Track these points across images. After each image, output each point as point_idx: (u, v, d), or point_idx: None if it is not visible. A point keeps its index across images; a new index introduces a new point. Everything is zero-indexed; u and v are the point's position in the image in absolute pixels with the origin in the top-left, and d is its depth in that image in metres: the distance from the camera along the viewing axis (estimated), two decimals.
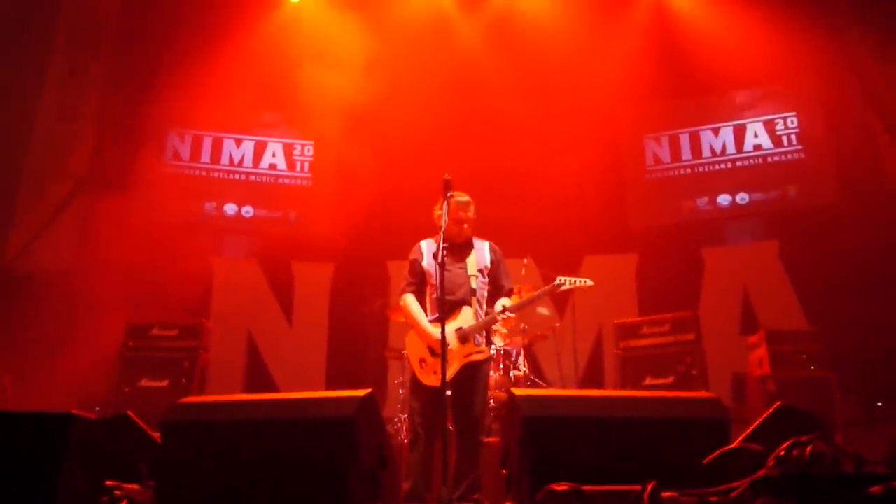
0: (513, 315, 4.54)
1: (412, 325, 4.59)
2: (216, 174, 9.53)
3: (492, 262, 4.67)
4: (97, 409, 7.25)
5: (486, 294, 4.62)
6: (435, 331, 4.30)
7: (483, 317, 4.53)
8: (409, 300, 4.63)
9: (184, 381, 6.90)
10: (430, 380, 4.38)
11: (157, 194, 8.91)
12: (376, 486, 3.06)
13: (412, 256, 4.74)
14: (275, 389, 8.44)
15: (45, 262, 8.75)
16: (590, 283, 4.90)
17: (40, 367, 7.73)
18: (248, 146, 9.65)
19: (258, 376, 8.69)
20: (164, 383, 6.93)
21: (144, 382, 6.99)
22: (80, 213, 9.06)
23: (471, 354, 4.43)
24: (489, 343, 4.66)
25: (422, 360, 4.45)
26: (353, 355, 8.87)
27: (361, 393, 2.92)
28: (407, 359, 4.65)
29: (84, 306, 8.07)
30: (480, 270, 4.56)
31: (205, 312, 8.56)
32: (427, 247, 4.69)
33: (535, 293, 4.95)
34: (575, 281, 4.85)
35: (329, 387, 8.40)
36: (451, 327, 4.41)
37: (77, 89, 9.40)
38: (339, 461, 2.74)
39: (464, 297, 4.52)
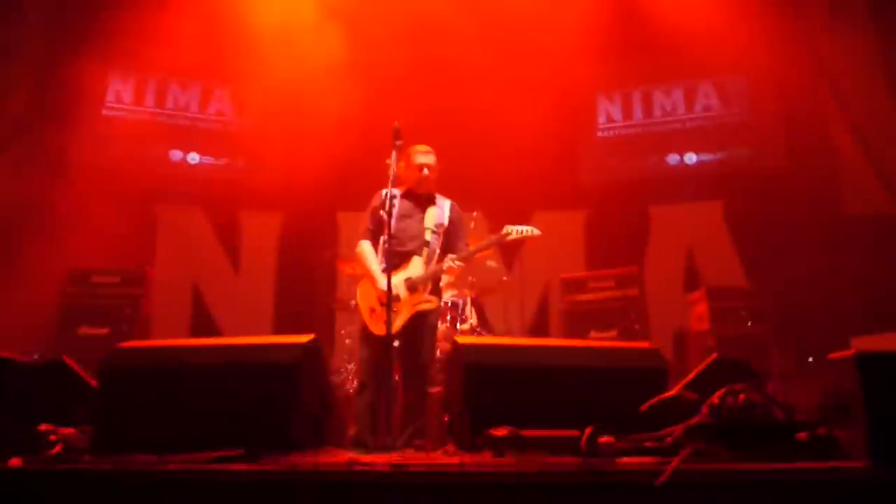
0: (460, 264, 4.54)
1: (364, 272, 4.60)
2: (160, 118, 9.24)
3: (450, 221, 4.69)
4: (36, 356, 7.10)
5: (438, 251, 4.63)
6: (383, 279, 4.25)
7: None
8: (366, 247, 4.64)
9: (125, 328, 6.78)
10: (380, 328, 4.30)
11: (98, 138, 8.63)
12: (319, 432, 3.06)
13: (373, 203, 4.72)
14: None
15: None
16: (537, 231, 4.92)
17: None
18: (195, 91, 9.38)
19: (204, 326, 8.56)
20: (105, 331, 6.79)
21: (84, 330, 6.85)
22: (18, 157, 8.74)
23: (419, 304, 4.46)
24: (438, 294, 4.68)
25: (371, 310, 4.47)
26: (300, 306, 8.79)
27: (305, 339, 2.91)
28: (357, 308, 4.65)
29: (22, 251, 7.84)
30: (437, 226, 4.58)
31: (148, 261, 8.38)
32: (388, 193, 4.61)
33: (483, 242, 4.96)
34: (522, 230, 4.85)
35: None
36: (400, 277, 4.46)
37: (12, 29, 8.99)
38: (283, 407, 2.74)
39: (415, 249, 4.56)
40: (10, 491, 2.21)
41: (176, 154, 9.18)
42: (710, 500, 2.30)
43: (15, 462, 2.40)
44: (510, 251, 8.18)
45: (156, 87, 9.28)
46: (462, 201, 8.06)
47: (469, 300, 6.94)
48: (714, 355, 3.31)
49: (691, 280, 8.52)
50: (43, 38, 8.99)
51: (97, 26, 8.73)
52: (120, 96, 9.16)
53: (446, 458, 2.60)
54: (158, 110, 9.24)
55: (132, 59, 8.98)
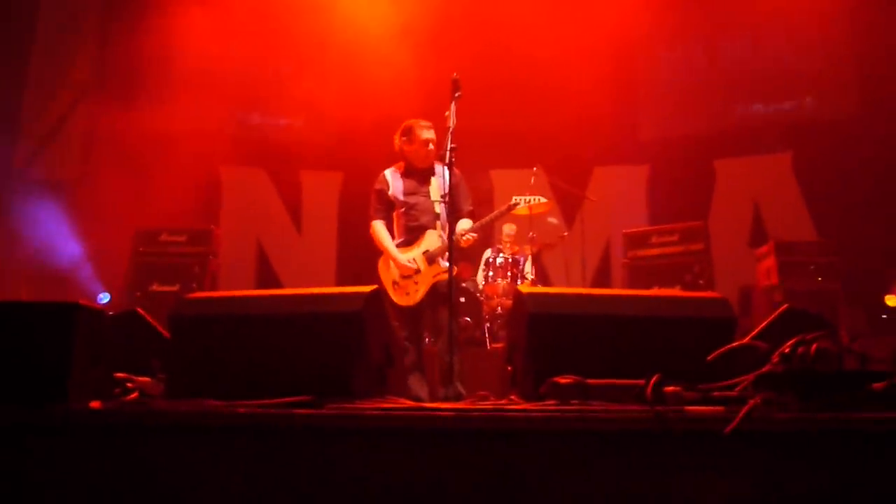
0: (474, 236, 4.78)
1: (382, 251, 4.88)
2: (221, 81, 9.32)
3: (451, 186, 4.71)
4: (110, 312, 7.35)
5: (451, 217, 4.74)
6: (402, 256, 4.77)
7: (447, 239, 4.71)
8: (379, 227, 4.90)
9: (194, 285, 6.99)
10: (404, 300, 4.77)
11: (161, 101, 8.78)
12: (383, 382, 3.10)
13: (378, 186, 4.96)
14: None
15: (54, 171, 8.73)
16: (543, 199, 5.57)
17: (53, 273, 7.82)
18: (253, 52, 9.42)
19: (268, 282, 8.78)
20: (175, 287, 7.02)
21: (155, 287, 7.08)
22: (85, 121, 8.99)
23: (439, 274, 4.69)
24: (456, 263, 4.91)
25: (394, 283, 4.81)
26: (362, 263, 8.83)
27: (368, 289, 2.93)
28: (381, 283, 4.89)
29: (93, 213, 8.11)
30: (443, 196, 4.64)
31: (213, 221, 8.57)
32: (391, 175, 4.96)
33: (493, 213, 5.27)
34: (530, 199, 5.48)
35: None
36: (418, 251, 4.78)
37: None
38: (345, 354, 2.77)
39: (427, 223, 4.82)
40: (90, 431, 2.30)
41: (237, 115, 9.28)
42: (780, 448, 2.26)
43: (95, 405, 2.50)
44: (571, 207, 8.11)
45: (216, 49, 9.33)
46: (522, 157, 8.03)
47: (529, 256, 6.91)
48: (785, 306, 3.22)
49: (757, 235, 8.32)
50: (103, 4, 9.16)
51: None
52: (181, 60, 9.23)
53: (511, 405, 2.61)
54: (219, 73, 9.30)
55: (192, 22, 9.05)
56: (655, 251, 7.20)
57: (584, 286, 7.58)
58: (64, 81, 9.00)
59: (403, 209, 4.86)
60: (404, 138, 4.93)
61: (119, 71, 8.92)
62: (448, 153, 4.19)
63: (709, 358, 2.67)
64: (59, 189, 8.47)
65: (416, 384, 4.68)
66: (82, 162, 8.88)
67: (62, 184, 8.58)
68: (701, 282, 6.88)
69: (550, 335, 2.74)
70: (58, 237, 7.94)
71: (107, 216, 7.99)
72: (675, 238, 7.14)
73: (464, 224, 4.81)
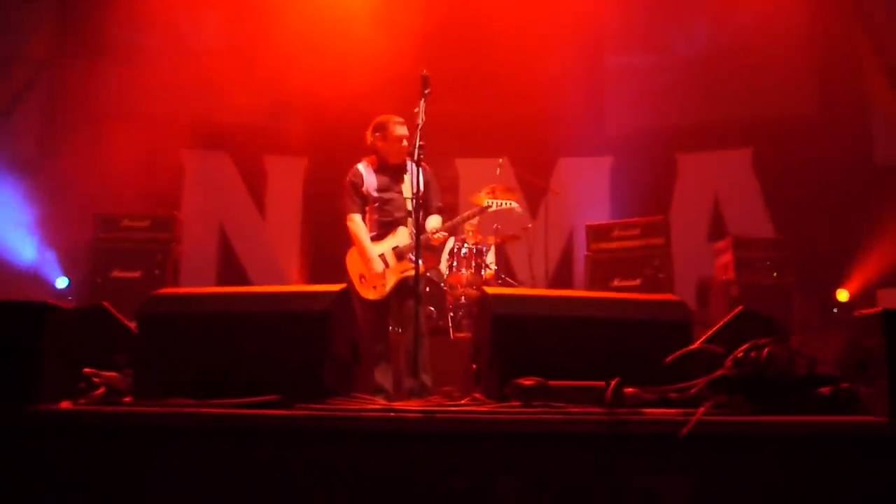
0: (445, 234, 5.00)
1: (356, 244, 4.93)
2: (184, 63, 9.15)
3: (425, 184, 4.81)
4: (69, 298, 7.28)
5: (421, 214, 4.76)
6: (374, 253, 4.84)
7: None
8: (358, 220, 4.95)
9: (157, 272, 6.91)
10: (370, 294, 4.85)
11: (122, 81, 8.62)
12: (350, 379, 3.15)
13: (353, 179, 4.99)
14: (248, 283, 8.50)
15: (9, 152, 8.50)
16: (515, 205, 5.75)
17: (11, 261, 7.68)
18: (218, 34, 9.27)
19: (231, 269, 8.71)
20: (137, 274, 6.93)
21: (116, 273, 6.98)
22: (44, 101, 8.77)
23: (406, 270, 4.78)
24: (425, 260, 5.11)
25: (361, 276, 4.89)
26: (327, 250, 8.85)
27: (336, 288, 2.97)
28: (347, 275, 4.96)
29: (51, 196, 7.96)
30: (415, 193, 4.65)
31: (175, 205, 8.46)
32: (365, 170, 5.00)
33: (465, 214, 5.50)
34: (502, 203, 5.63)
35: (302, 282, 8.49)
36: (387, 245, 4.87)
37: None
38: (314, 354, 2.81)
39: (400, 219, 4.91)
40: (60, 432, 2.32)
41: (201, 97, 9.10)
42: (733, 450, 2.36)
43: (65, 405, 2.51)
44: (535, 199, 8.18)
45: (180, 28, 9.16)
46: (488, 147, 8.09)
47: (492, 247, 6.98)
48: (740, 308, 3.33)
49: (716, 229, 8.48)
50: None
51: None
52: (144, 39, 9.04)
53: (475, 405, 2.68)
54: (183, 52, 9.12)
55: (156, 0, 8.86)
56: (617, 244, 7.31)
57: (546, 277, 7.68)
58: (19, 58, 8.75)
59: (377, 204, 4.91)
60: (378, 134, 4.97)
61: (79, 49, 8.71)
62: (416, 150, 4.22)
63: (667, 360, 2.77)
64: (15, 171, 8.26)
65: (382, 375, 4.74)
66: (39, 143, 8.67)
67: (18, 165, 8.37)
68: (661, 275, 7.01)
69: (514, 336, 2.81)
70: (15, 222, 7.79)
71: (66, 199, 7.86)
72: (636, 232, 7.25)
73: (433, 221, 4.92)
